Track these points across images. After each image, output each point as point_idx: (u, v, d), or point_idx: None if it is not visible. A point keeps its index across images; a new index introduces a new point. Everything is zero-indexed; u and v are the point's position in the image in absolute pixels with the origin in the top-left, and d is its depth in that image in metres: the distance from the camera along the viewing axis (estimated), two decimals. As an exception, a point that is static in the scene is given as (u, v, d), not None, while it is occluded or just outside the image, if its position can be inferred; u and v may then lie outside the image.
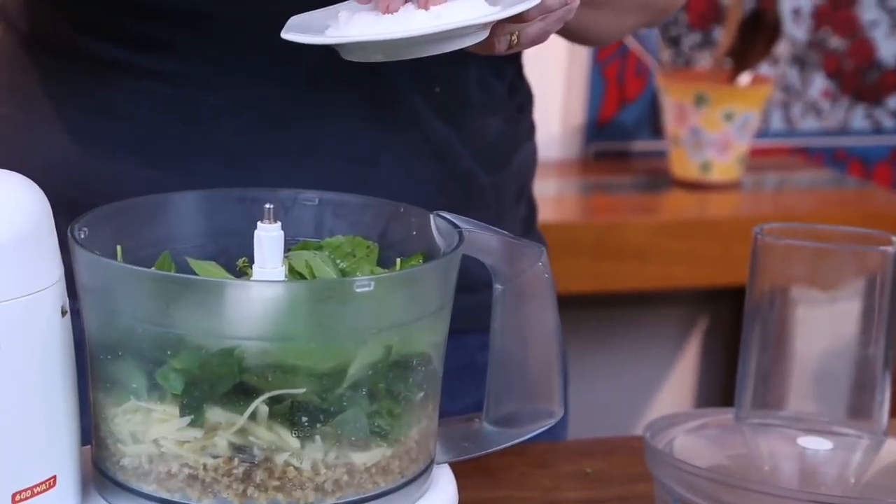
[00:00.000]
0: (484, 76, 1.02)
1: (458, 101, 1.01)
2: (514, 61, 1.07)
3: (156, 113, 0.95)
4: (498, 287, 0.76)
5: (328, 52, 0.93)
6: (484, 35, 0.80)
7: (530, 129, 1.10)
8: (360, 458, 0.68)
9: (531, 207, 1.11)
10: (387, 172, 0.97)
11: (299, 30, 0.79)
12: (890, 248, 0.85)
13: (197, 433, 0.67)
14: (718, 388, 2.40)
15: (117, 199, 0.78)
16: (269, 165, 0.95)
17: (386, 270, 0.76)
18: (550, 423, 0.78)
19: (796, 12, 2.39)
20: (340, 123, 0.96)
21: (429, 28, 0.76)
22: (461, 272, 0.87)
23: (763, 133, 2.38)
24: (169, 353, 0.67)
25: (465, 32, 0.78)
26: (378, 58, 0.80)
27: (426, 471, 0.73)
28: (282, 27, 0.80)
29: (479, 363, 1.00)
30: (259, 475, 0.67)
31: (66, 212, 0.76)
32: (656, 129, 2.33)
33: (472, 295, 0.86)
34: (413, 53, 0.78)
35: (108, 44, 0.95)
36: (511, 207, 1.06)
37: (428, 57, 0.93)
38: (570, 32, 1.03)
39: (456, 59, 0.99)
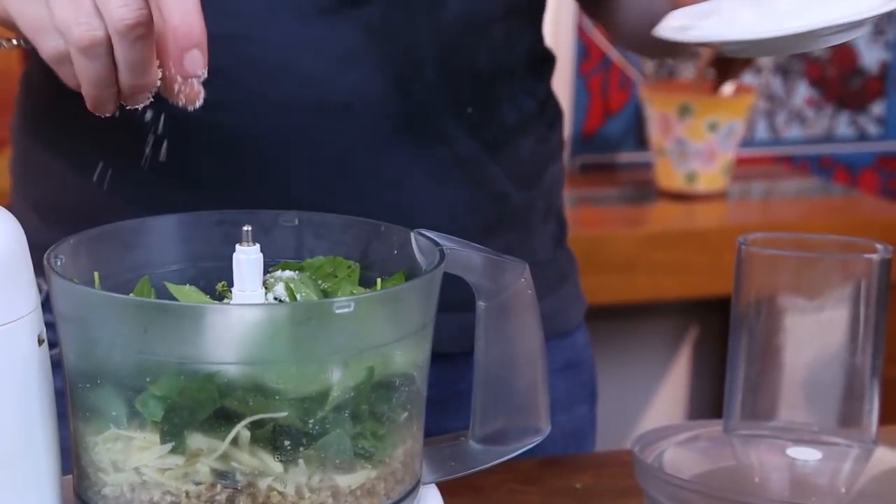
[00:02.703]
0: (516, 95, 1.02)
1: (491, 121, 1.00)
2: (545, 79, 1.07)
3: (186, 138, 0.94)
4: (481, 304, 0.75)
5: (362, 77, 0.92)
6: (864, 30, 0.77)
7: (560, 145, 1.10)
8: (345, 481, 0.68)
9: (560, 224, 1.11)
10: (419, 194, 0.97)
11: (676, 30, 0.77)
12: (875, 256, 0.85)
13: (178, 460, 0.66)
14: (710, 399, 2.40)
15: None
16: (301, 190, 0.94)
17: (367, 290, 0.76)
18: (537, 439, 0.78)
19: (778, 21, 2.39)
20: (372, 147, 0.96)
21: (839, 18, 0.73)
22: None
23: (748, 142, 2.39)
24: (148, 379, 0.66)
25: (858, 25, 0.75)
26: (760, 54, 0.78)
27: (413, 491, 0.72)
28: (314, 53, 0.81)
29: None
30: (242, 501, 0.66)
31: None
32: (641, 141, 2.34)
33: (468, 314, 0.84)
34: (799, 48, 0.76)
35: None
36: (541, 225, 1.06)
37: (460, 78, 0.92)
38: None
39: (488, 79, 0.99)
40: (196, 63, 0.69)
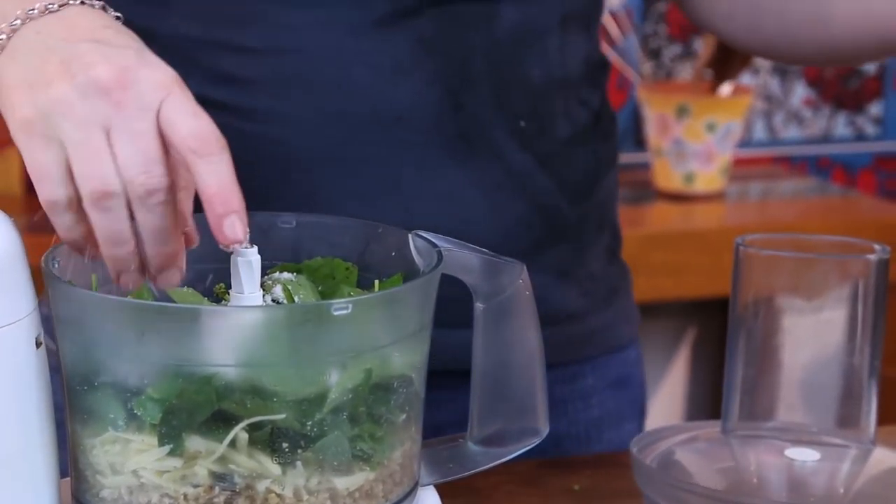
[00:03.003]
0: (570, 107, 1.00)
1: (543, 135, 0.98)
2: (600, 86, 1.05)
3: (233, 148, 0.93)
4: (479, 306, 0.75)
5: (414, 90, 0.92)
6: None
7: (614, 155, 1.08)
8: (343, 483, 0.68)
9: (614, 235, 1.08)
10: (469, 209, 0.95)
11: None
12: (872, 256, 0.85)
13: (176, 462, 0.66)
14: (708, 400, 2.40)
15: None
16: (350, 203, 0.92)
17: (365, 292, 0.76)
18: (536, 441, 0.78)
19: (775, 21, 2.39)
20: (422, 161, 0.94)
21: None
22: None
23: (746, 143, 2.39)
24: (146, 382, 0.66)
25: None
26: None
27: (411, 493, 0.72)
28: (366, 66, 0.80)
29: None
30: (240, 503, 0.66)
31: None
32: (639, 142, 2.34)
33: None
34: None
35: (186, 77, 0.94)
36: (594, 237, 1.04)
37: (513, 91, 0.92)
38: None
39: (542, 92, 0.98)
40: (236, 230, 0.67)
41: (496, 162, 0.96)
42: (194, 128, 0.67)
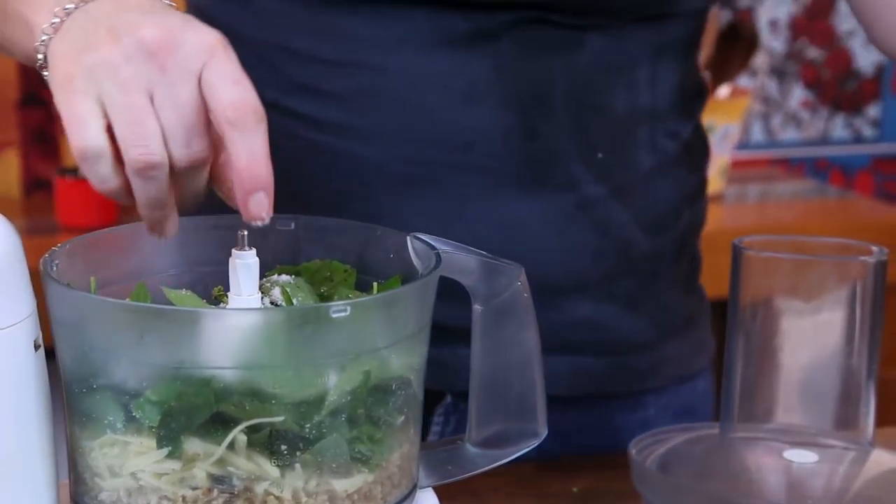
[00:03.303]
0: (656, 138, 0.97)
1: (623, 166, 0.95)
2: (693, 116, 1.01)
3: (301, 159, 0.93)
4: (477, 308, 0.75)
5: (487, 116, 0.90)
6: None
7: (702, 185, 1.04)
8: (342, 485, 0.68)
9: (693, 263, 1.05)
10: (536, 239, 0.93)
11: None
12: (870, 258, 0.85)
13: (175, 465, 0.66)
14: (707, 401, 2.40)
15: None
16: (414, 224, 0.88)
17: (363, 294, 0.76)
18: (535, 443, 0.78)
19: (773, 24, 2.40)
20: (491, 188, 0.92)
21: None
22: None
23: (744, 145, 2.39)
24: (145, 384, 0.66)
25: None
26: None
27: (409, 495, 0.72)
28: (438, 87, 0.79)
29: None
30: (239, 505, 0.66)
31: None
32: (637, 144, 2.33)
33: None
34: None
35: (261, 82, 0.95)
36: (668, 268, 1.01)
37: (592, 120, 0.89)
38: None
39: (625, 122, 0.94)
40: (261, 207, 0.68)
41: (570, 194, 0.93)
42: (234, 97, 0.67)
